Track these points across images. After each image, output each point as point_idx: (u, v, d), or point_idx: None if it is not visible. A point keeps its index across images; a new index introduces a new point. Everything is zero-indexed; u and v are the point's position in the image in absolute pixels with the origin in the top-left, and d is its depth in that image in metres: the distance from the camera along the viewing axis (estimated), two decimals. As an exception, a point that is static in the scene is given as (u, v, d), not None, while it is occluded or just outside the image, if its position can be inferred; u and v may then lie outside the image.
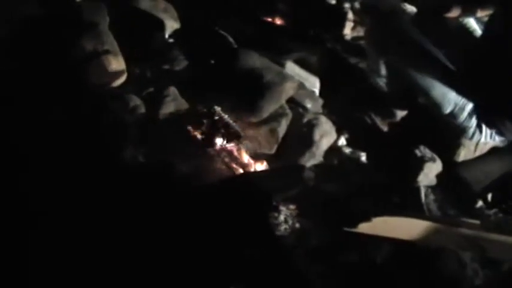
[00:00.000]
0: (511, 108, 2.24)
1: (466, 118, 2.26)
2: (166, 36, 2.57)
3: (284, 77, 2.22)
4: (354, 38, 2.99)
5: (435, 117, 2.33)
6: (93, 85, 2.16)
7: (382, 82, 2.38)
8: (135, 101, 2.14)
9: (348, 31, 2.96)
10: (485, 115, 2.26)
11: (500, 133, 2.32)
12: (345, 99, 2.57)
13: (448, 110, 2.24)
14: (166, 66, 2.30)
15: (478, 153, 2.47)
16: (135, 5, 2.58)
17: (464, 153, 2.44)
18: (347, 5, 3.11)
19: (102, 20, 2.35)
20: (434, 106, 2.26)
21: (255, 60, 2.25)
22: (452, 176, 2.42)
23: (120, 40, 2.32)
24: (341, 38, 2.88)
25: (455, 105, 2.23)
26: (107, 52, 2.19)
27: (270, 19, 2.84)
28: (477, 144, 2.40)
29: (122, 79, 2.23)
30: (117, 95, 2.15)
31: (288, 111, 2.28)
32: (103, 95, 2.15)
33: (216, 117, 2.07)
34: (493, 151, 2.48)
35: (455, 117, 2.26)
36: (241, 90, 2.17)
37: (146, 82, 2.26)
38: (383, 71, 2.32)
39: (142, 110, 2.12)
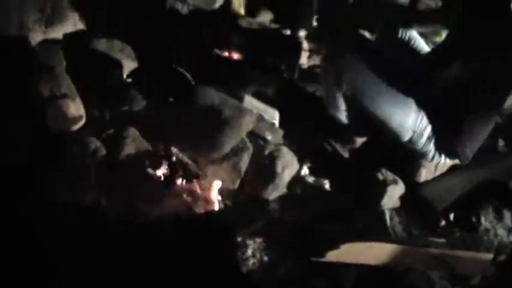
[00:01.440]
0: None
1: (425, 143, 2.30)
2: (124, 76, 2.56)
3: (242, 111, 2.25)
4: (310, 67, 3.05)
5: (394, 142, 2.36)
6: (52, 130, 2.13)
7: (338, 113, 2.39)
8: (95, 143, 2.12)
9: (304, 60, 3.01)
10: (442, 141, 2.31)
11: (456, 157, 2.38)
12: (304, 128, 2.58)
13: (406, 138, 2.29)
14: (125, 107, 2.29)
15: (438, 173, 2.51)
16: (92, 46, 2.58)
17: (425, 174, 2.48)
18: (302, 34, 3.18)
19: (58, 63, 2.35)
20: (393, 135, 2.29)
21: (212, 95, 2.27)
22: (414, 196, 2.46)
23: (77, 82, 2.32)
24: (297, 68, 2.91)
25: (414, 132, 2.26)
26: (65, 96, 2.19)
27: (226, 52, 2.86)
28: (437, 164, 2.45)
29: (81, 122, 2.22)
30: (76, 139, 2.14)
31: (249, 144, 2.29)
32: (62, 139, 2.13)
33: (174, 158, 2.07)
34: (452, 169, 2.52)
35: (415, 144, 2.30)
36: (200, 127, 2.18)
37: (105, 124, 2.25)
38: (339, 102, 2.33)
39: (103, 152, 2.11)
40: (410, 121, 2.24)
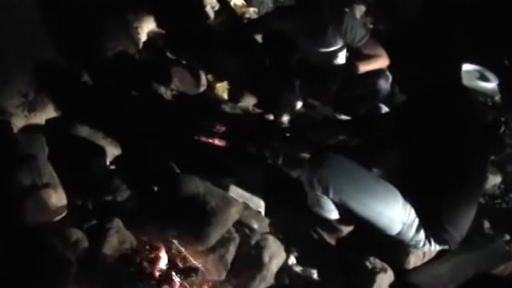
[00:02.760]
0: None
1: (414, 233, 2.30)
2: (107, 163, 2.52)
3: (228, 202, 2.21)
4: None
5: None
6: (30, 222, 2.05)
7: (326, 213, 2.38)
8: (77, 234, 2.03)
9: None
10: (430, 229, 2.31)
11: (446, 243, 2.37)
12: (290, 216, 2.56)
13: (397, 231, 2.29)
14: (108, 197, 2.24)
15: (426, 258, 2.50)
16: (74, 133, 2.55)
17: (414, 260, 2.46)
18: (285, 119, 3.23)
19: (40, 151, 2.28)
20: (383, 230, 2.30)
21: (197, 185, 2.22)
22: (404, 284, 2.42)
23: (59, 170, 2.25)
24: (281, 154, 2.91)
25: (403, 224, 2.27)
26: (46, 186, 2.10)
27: (209, 139, 2.86)
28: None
29: (63, 213, 2.14)
30: (57, 230, 2.05)
31: (235, 235, 2.25)
32: (42, 230, 2.05)
33: (174, 252, 2.01)
34: (440, 254, 2.51)
35: (405, 235, 2.31)
36: (186, 218, 2.12)
37: (88, 214, 2.18)
38: (326, 204, 2.33)
39: (85, 244, 2.03)
40: (400, 215, 2.26)
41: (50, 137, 2.41)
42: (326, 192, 2.25)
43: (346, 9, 3.16)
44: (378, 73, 3.17)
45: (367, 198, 2.24)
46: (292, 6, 3.33)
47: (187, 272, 2.02)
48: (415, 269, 2.48)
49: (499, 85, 4.10)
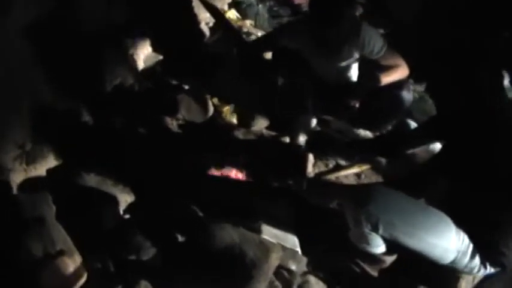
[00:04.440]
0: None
1: (469, 260, 2.14)
2: (121, 213, 2.28)
3: (267, 249, 1.98)
4: (317, 175, 2.85)
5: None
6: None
7: (372, 249, 2.19)
8: (102, 304, 1.80)
9: (310, 169, 2.81)
10: (487, 255, 2.15)
11: (503, 265, 2.19)
12: (327, 250, 2.38)
13: (450, 260, 2.13)
14: (132, 257, 1.98)
15: (476, 280, 2.33)
16: (81, 183, 2.30)
17: (465, 285, 2.31)
18: (302, 139, 3.01)
19: (47, 213, 2.02)
20: (437, 261, 2.14)
21: (231, 234, 2.00)
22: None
23: (71, 231, 2.01)
24: (305, 180, 2.70)
25: (458, 252, 2.11)
26: (61, 253, 1.86)
27: (227, 173, 2.62)
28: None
29: (83, 279, 1.89)
30: (78, 303, 1.82)
31: (277, 283, 2.06)
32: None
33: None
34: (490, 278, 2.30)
35: (459, 263, 2.15)
36: (225, 274, 1.89)
37: (111, 278, 1.93)
38: (375, 241, 2.14)
39: (113, 315, 1.79)
40: (454, 243, 2.10)
41: (55, 192, 2.17)
42: (375, 229, 2.07)
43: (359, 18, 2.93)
44: (400, 84, 2.99)
45: (419, 230, 2.07)
46: (302, 20, 3.10)
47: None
48: (468, 294, 2.29)
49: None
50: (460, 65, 2.21)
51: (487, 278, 2.31)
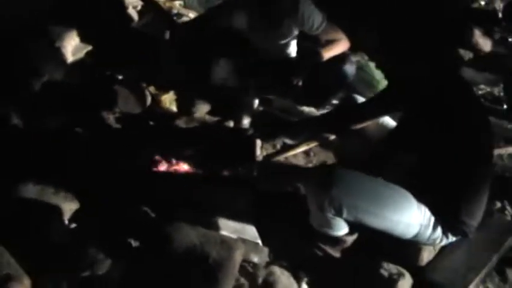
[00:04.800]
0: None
1: (431, 232, 2.18)
2: (66, 222, 2.13)
3: (229, 246, 1.89)
4: (265, 158, 2.78)
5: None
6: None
7: (334, 231, 2.19)
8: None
9: (258, 153, 2.72)
10: (449, 225, 2.20)
11: (464, 233, 2.24)
12: (288, 238, 2.33)
13: (414, 234, 2.16)
14: (86, 273, 1.84)
15: (437, 249, 2.36)
16: (20, 196, 2.13)
17: (427, 255, 2.33)
18: (246, 122, 2.94)
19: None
20: (401, 237, 2.17)
21: (190, 235, 1.89)
22: (423, 284, 2.27)
23: (16, 251, 1.84)
24: (256, 166, 2.62)
25: (421, 225, 2.15)
26: (8, 279, 1.72)
27: (173, 166, 2.51)
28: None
29: (35, 305, 1.76)
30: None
31: (243, 280, 1.99)
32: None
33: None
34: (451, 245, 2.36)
35: (422, 236, 2.18)
36: (188, 280, 1.80)
37: (66, 298, 1.80)
38: (337, 224, 2.14)
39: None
40: (416, 217, 2.14)
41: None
42: (339, 213, 2.05)
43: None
44: (342, 58, 3.00)
45: (382, 209, 2.09)
46: None
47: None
48: (430, 264, 2.33)
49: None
50: (425, 38, 2.23)
51: (447, 245, 2.34)
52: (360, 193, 2.07)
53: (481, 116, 2.24)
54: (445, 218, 2.19)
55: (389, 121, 2.55)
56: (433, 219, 2.16)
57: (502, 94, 3.86)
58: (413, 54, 2.21)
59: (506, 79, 3.92)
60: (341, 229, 2.17)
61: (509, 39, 4.30)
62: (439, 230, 2.18)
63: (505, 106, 3.74)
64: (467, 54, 4.37)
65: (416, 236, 2.16)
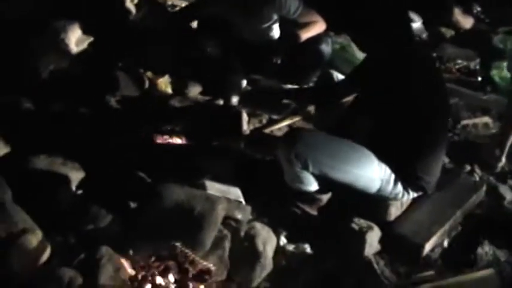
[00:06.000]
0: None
1: (393, 187, 2.39)
2: (74, 189, 2.43)
3: (213, 201, 2.18)
4: (252, 131, 3.06)
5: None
6: (19, 272, 1.96)
7: (306, 186, 2.41)
8: (68, 273, 1.95)
9: (245, 127, 3.01)
10: (408, 182, 2.43)
11: (423, 190, 2.48)
12: (269, 197, 2.57)
13: (376, 189, 2.38)
14: (90, 226, 2.15)
15: (405, 207, 2.60)
16: (32, 167, 2.42)
17: (394, 211, 2.55)
18: (235, 100, 3.21)
19: (5, 196, 2.17)
20: (363, 190, 2.38)
21: (178, 192, 2.19)
22: (391, 236, 2.50)
23: (29, 210, 2.15)
24: (242, 137, 2.91)
25: (382, 180, 2.36)
26: (24, 232, 2.01)
27: (168, 140, 2.80)
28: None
29: (47, 253, 2.04)
30: (47, 274, 1.97)
31: (226, 231, 2.24)
32: (31, 279, 1.96)
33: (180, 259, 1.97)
34: (415, 199, 2.59)
35: (384, 191, 2.39)
36: (176, 228, 2.09)
37: (73, 249, 2.09)
38: (307, 178, 2.36)
39: (79, 281, 1.95)
40: (377, 172, 2.35)
41: (9, 177, 2.29)
42: (305, 167, 2.28)
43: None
44: (318, 38, 3.24)
45: (345, 164, 2.31)
46: None
47: (201, 275, 2.00)
48: (397, 219, 2.57)
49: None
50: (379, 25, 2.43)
51: (414, 201, 2.59)
52: (323, 149, 2.30)
53: (435, 85, 2.46)
54: (404, 176, 2.40)
55: None
56: (393, 175, 2.37)
57: (477, 67, 4.06)
58: (373, 36, 2.45)
59: (482, 53, 4.14)
60: (310, 184, 2.38)
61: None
62: (399, 186, 2.40)
63: (479, 78, 3.93)
64: (448, 32, 4.60)
65: (379, 190, 2.38)
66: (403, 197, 2.47)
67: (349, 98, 2.74)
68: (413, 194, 2.49)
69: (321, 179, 2.36)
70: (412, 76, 2.36)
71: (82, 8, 3.32)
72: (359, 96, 2.59)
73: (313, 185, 2.41)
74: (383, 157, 2.37)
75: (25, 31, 2.86)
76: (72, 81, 2.99)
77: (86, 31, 3.34)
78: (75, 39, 3.25)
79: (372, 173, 2.34)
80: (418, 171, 2.40)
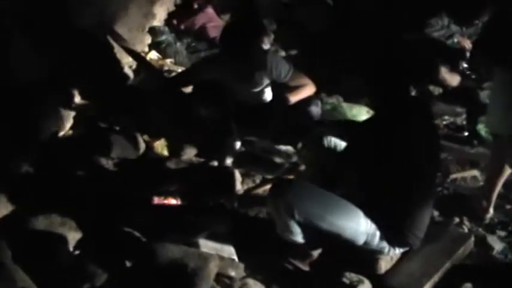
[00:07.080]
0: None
1: (379, 241, 2.45)
2: (71, 249, 2.50)
3: (206, 258, 2.26)
4: (246, 191, 3.15)
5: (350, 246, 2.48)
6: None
7: (294, 237, 2.47)
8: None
9: (239, 187, 3.11)
10: (394, 238, 2.49)
11: (409, 245, 2.54)
12: (262, 254, 2.63)
13: (362, 241, 2.43)
14: (87, 285, 2.22)
15: (395, 260, 2.63)
16: (31, 227, 2.51)
17: (384, 265, 2.59)
18: (229, 162, 3.31)
19: (5, 257, 2.23)
20: (349, 242, 2.43)
21: (172, 250, 2.26)
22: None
23: (28, 270, 2.22)
24: (236, 197, 3.01)
25: (367, 234, 2.42)
26: (22, 292, 2.08)
27: (163, 201, 2.89)
28: (392, 254, 2.58)
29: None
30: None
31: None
32: None
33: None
34: (406, 252, 2.63)
35: (370, 244, 2.45)
36: (169, 285, 2.16)
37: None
38: (294, 228, 2.42)
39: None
40: (362, 226, 2.41)
41: (8, 238, 2.37)
42: (292, 217, 2.35)
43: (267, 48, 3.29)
44: (308, 101, 3.37)
45: (330, 214, 2.37)
46: (217, 54, 3.46)
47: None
48: (388, 272, 2.60)
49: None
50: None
51: (404, 253, 2.62)
52: (310, 198, 2.38)
53: (426, 142, 2.50)
54: (390, 232, 2.46)
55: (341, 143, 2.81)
56: (378, 232, 2.44)
57: (464, 123, 4.20)
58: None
59: (468, 109, 4.28)
60: (298, 234, 2.44)
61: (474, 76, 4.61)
62: (385, 241, 2.46)
63: (465, 133, 4.06)
64: (436, 90, 4.75)
65: (366, 243, 2.43)
66: (389, 252, 2.52)
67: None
68: (399, 250, 2.55)
69: (309, 229, 2.41)
70: (411, 137, 2.43)
71: (84, 74, 3.47)
72: (348, 152, 2.65)
73: (300, 236, 2.46)
74: (369, 213, 2.44)
75: (27, 98, 3.00)
76: (71, 145, 3.10)
77: (85, 96, 3.49)
78: (75, 104, 3.40)
79: (358, 226, 2.40)
80: (404, 229, 2.47)
